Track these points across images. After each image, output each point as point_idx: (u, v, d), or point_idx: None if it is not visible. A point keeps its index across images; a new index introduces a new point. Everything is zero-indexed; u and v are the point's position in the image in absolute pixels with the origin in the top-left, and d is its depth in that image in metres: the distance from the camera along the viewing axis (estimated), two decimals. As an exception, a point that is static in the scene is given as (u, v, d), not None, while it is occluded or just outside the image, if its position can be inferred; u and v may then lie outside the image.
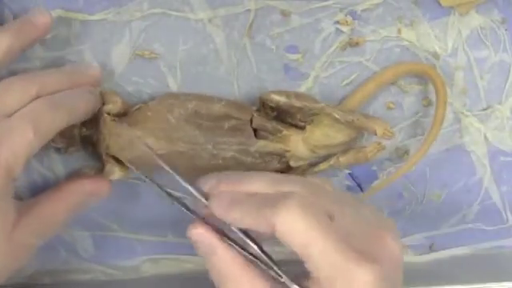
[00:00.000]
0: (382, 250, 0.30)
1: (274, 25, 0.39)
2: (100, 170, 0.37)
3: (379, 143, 0.38)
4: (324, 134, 0.37)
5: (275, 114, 0.38)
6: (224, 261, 0.32)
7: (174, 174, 0.34)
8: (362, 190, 0.41)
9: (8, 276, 0.31)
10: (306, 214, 0.29)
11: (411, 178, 0.41)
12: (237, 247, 0.32)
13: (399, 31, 0.40)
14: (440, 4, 0.40)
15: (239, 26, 0.38)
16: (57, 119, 0.31)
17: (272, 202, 0.30)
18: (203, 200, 0.33)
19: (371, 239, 0.30)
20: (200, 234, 0.33)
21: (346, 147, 0.38)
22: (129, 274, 0.40)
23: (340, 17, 0.39)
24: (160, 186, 0.35)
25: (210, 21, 0.38)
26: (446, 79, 0.39)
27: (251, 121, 0.37)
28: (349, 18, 0.39)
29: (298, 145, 0.37)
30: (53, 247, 0.39)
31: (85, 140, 0.36)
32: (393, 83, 0.40)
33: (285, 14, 0.38)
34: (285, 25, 0.39)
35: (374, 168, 0.41)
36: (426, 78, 0.40)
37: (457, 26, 0.41)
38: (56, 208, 0.34)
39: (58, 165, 0.38)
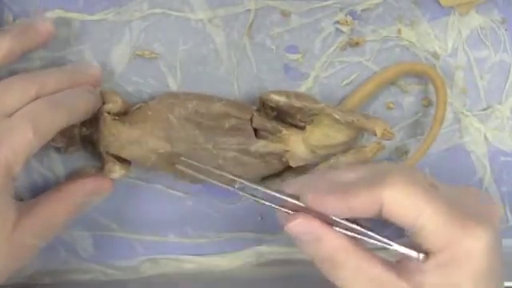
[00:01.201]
0: (487, 212, 0.30)
1: (274, 25, 0.39)
2: (100, 169, 0.37)
3: (379, 143, 0.38)
4: (324, 134, 0.37)
5: (275, 113, 0.38)
6: (331, 246, 0.30)
7: (258, 187, 0.33)
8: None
9: (8, 276, 0.31)
10: (413, 184, 0.29)
11: (411, 178, 0.41)
12: (341, 230, 0.31)
13: (399, 31, 0.40)
14: (440, 4, 0.40)
15: (239, 26, 0.38)
16: (57, 119, 0.31)
17: (374, 181, 0.30)
18: (291, 200, 0.32)
19: (475, 204, 0.30)
20: (302, 222, 0.31)
21: (346, 147, 0.38)
22: (129, 274, 0.40)
23: (340, 17, 0.39)
24: (252, 196, 0.34)
25: (210, 21, 0.38)
26: (446, 79, 0.39)
27: (251, 120, 0.37)
28: (349, 18, 0.39)
29: (297, 145, 0.37)
30: (53, 247, 0.39)
31: (85, 139, 0.36)
32: (393, 83, 0.40)
33: (285, 14, 0.38)
34: (285, 25, 0.39)
35: (374, 168, 0.41)
36: (425, 78, 0.40)
37: (457, 26, 0.41)
38: (57, 208, 0.34)
39: (58, 165, 0.38)
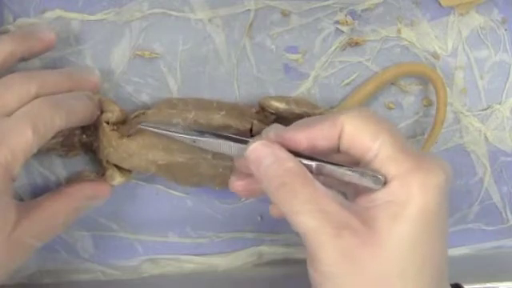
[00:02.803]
0: (443, 161, 0.30)
1: (274, 25, 0.39)
2: (100, 174, 0.37)
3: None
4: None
5: (275, 116, 0.38)
6: (289, 168, 0.29)
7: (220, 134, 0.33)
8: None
9: (6, 275, 0.31)
10: (373, 113, 0.30)
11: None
12: (301, 159, 0.30)
13: (399, 31, 0.40)
14: (440, 4, 0.40)
15: (239, 26, 0.38)
16: (56, 119, 0.31)
17: (336, 113, 0.30)
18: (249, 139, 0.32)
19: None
20: (264, 143, 0.30)
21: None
22: (129, 274, 0.40)
23: (340, 17, 0.39)
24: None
25: (210, 21, 0.38)
26: (445, 79, 0.40)
27: (251, 129, 0.37)
28: (349, 18, 0.39)
29: (297, 150, 0.37)
30: (53, 247, 0.39)
31: (85, 147, 0.37)
32: (393, 83, 0.40)
33: (285, 14, 0.38)
34: (285, 25, 0.39)
35: (374, 168, 0.41)
36: (426, 78, 0.40)
37: (457, 26, 0.41)
38: (56, 210, 0.34)
39: (59, 166, 0.38)
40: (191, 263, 0.41)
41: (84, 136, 0.36)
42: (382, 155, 0.29)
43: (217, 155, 0.35)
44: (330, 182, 0.30)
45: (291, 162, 0.29)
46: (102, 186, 0.36)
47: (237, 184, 0.34)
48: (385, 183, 0.28)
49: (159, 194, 0.39)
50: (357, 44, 0.39)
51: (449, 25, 0.40)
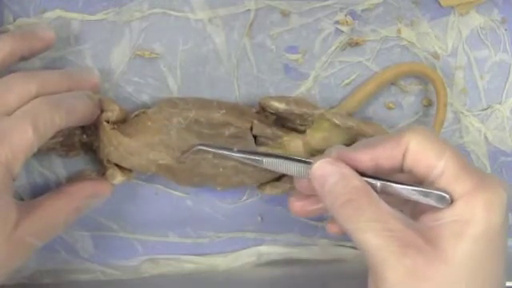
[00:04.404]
0: (496, 178, 0.30)
1: (274, 25, 0.39)
2: (100, 173, 0.37)
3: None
4: (324, 138, 0.37)
5: (275, 117, 0.38)
6: (355, 186, 0.30)
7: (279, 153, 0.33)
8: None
9: (7, 275, 0.31)
10: (433, 133, 0.30)
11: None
12: (366, 179, 0.30)
13: (399, 31, 0.40)
14: (440, 4, 0.40)
15: (239, 26, 0.38)
16: (56, 118, 0.31)
17: (399, 133, 0.30)
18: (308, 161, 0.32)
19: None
20: (330, 161, 0.31)
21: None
22: (129, 274, 0.40)
23: (340, 17, 0.39)
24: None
25: (209, 21, 0.38)
26: (445, 79, 0.40)
27: (251, 128, 0.37)
28: (349, 18, 0.39)
29: (298, 149, 0.37)
30: (53, 247, 0.39)
31: (85, 147, 0.37)
32: (393, 83, 0.40)
33: (285, 14, 0.38)
34: (285, 25, 0.39)
35: (374, 168, 0.41)
36: (426, 78, 0.40)
37: (457, 26, 0.41)
38: (57, 210, 0.34)
39: (59, 165, 0.38)
40: (191, 263, 0.41)
41: (84, 136, 0.36)
42: (447, 174, 0.29)
43: (217, 155, 0.35)
44: (391, 201, 0.30)
45: (357, 179, 0.30)
46: (103, 184, 0.36)
47: (296, 204, 0.35)
48: (451, 202, 0.29)
49: (159, 193, 0.39)
50: (357, 44, 0.39)
51: (449, 25, 0.40)
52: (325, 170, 0.31)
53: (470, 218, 0.28)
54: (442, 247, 0.28)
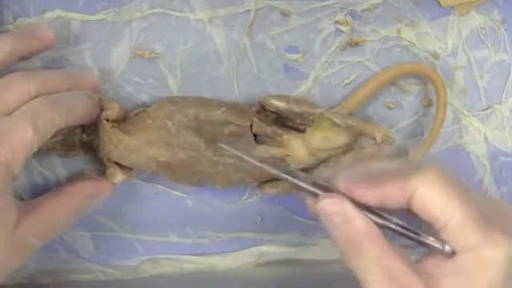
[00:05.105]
0: (505, 228, 0.30)
1: (274, 25, 0.39)
2: (101, 172, 0.37)
3: (378, 144, 0.38)
4: (324, 137, 0.37)
5: (275, 115, 0.38)
6: (359, 230, 0.30)
7: (279, 173, 0.32)
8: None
9: (7, 275, 0.31)
10: (446, 178, 0.29)
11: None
12: (371, 216, 0.30)
13: (399, 31, 0.40)
14: (440, 4, 0.40)
15: (239, 26, 0.38)
16: (56, 118, 0.31)
17: (407, 170, 0.29)
18: (323, 184, 0.31)
19: (502, 216, 0.30)
20: (336, 202, 0.30)
21: (346, 149, 0.38)
22: (129, 274, 0.40)
23: (340, 17, 0.39)
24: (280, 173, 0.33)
25: (209, 21, 0.38)
26: (445, 79, 0.39)
27: (251, 126, 0.37)
28: (349, 18, 0.39)
29: (298, 148, 0.37)
30: (53, 247, 0.39)
31: (85, 146, 0.37)
32: (393, 83, 0.40)
33: (285, 14, 0.38)
34: (285, 25, 0.39)
35: (374, 168, 0.41)
36: (426, 78, 0.40)
37: (457, 26, 0.41)
38: (58, 210, 0.34)
39: (59, 165, 0.38)
40: (191, 263, 0.41)
41: (84, 135, 0.36)
42: (452, 225, 0.28)
43: (218, 152, 0.35)
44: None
45: (360, 220, 0.30)
46: (103, 183, 0.36)
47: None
48: (453, 253, 0.29)
49: (159, 193, 0.39)
50: (357, 44, 0.39)
51: (449, 25, 0.41)
52: (329, 210, 0.30)
53: (472, 272, 0.28)
54: None
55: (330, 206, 0.30)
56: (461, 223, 0.28)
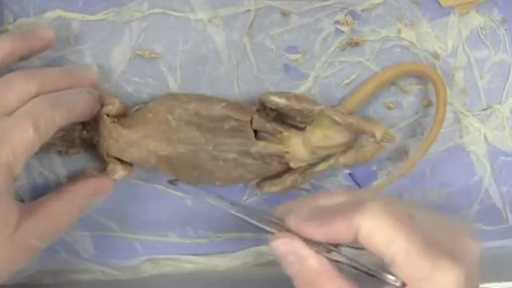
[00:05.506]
0: (463, 249, 0.30)
1: (274, 25, 0.39)
2: (101, 171, 0.37)
3: (378, 143, 0.38)
4: (324, 135, 0.37)
5: (275, 113, 0.38)
6: (312, 268, 0.31)
7: (241, 214, 0.33)
8: (362, 190, 0.41)
9: (9, 276, 0.31)
10: (388, 214, 0.29)
11: (411, 178, 0.41)
12: (324, 254, 0.31)
13: (399, 31, 0.40)
14: (440, 4, 0.40)
15: (239, 26, 0.38)
16: (56, 117, 0.31)
17: (351, 208, 0.30)
18: (277, 222, 0.33)
19: (451, 239, 0.30)
20: (286, 242, 0.31)
21: (346, 147, 0.38)
22: (129, 274, 0.40)
23: (340, 17, 0.39)
24: (229, 207, 0.34)
25: (209, 21, 0.38)
26: (445, 79, 0.39)
27: (251, 122, 0.37)
28: (349, 18, 0.39)
29: (298, 146, 0.37)
30: (53, 247, 0.39)
31: (85, 142, 0.37)
32: (393, 83, 0.40)
33: (285, 14, 0.38)
34: (285, 25, 0.39)
35: (374, 168, 0.41)
36: (426, 78, 0.40)
37: (457, 26, 0.41)
38: (59, 210, 0.34)
39: (59, 165, 0.38)
40: (191, 263, 0.41)
41: (84, 132, 0.36)
42: (399, 260, 0.29)
43: (218, 147, 0.36)
44: None
45: (313, 259, 0.30)
46: (105, 180, 0.36)
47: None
48: (404, 285, 0.29)
49: (159, 193, 0.39)
50: (357, 44, 0.39)
51: (449, 25, 0.41)
52: (282, 250, 0.31)
53: None
54: None
55: (282, 246, 0.31)
56: (407, 255, 0.28)
